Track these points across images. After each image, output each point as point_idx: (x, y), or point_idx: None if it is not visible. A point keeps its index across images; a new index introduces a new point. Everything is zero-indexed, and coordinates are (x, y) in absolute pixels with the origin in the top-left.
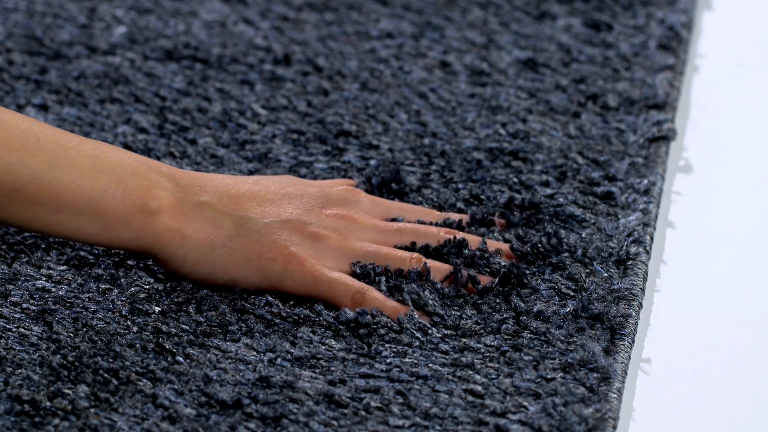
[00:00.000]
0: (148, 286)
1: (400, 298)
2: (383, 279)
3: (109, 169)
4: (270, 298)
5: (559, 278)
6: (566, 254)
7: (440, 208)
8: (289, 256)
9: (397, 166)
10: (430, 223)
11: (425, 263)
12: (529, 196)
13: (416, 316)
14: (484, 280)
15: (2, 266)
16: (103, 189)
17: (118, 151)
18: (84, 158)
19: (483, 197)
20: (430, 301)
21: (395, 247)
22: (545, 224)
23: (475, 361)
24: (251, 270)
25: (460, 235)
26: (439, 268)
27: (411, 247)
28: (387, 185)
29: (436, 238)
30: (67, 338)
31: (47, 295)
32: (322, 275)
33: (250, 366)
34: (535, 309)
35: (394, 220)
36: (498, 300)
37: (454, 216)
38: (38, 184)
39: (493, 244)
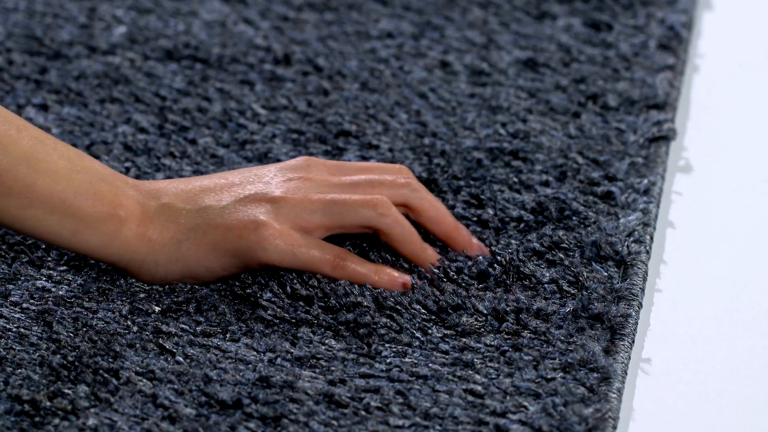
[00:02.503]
0: (148, 286)
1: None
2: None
3: (82, 171)
4: (270, 295)
5: (560, 277)
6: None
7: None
8: (255, 227)
9: None
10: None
11: (392, 209)
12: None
13: (419, 308)
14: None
15: (2, 266)
16: (76, 190)
17: (89, 157)
18: (60, 157)
19: (483, 197)
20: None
21: None
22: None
23: (475, 360)
24: (221, 253)
25: (415, 181)
26: (401, 221)
27: None
28: None
29: (392, 185)
30: (67, 338)
31: (47, 295)
32: (297, 241)
33: (250, 366)
34: (535, 307)
35: None
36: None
37: (405, 172)
38: (14, 175)
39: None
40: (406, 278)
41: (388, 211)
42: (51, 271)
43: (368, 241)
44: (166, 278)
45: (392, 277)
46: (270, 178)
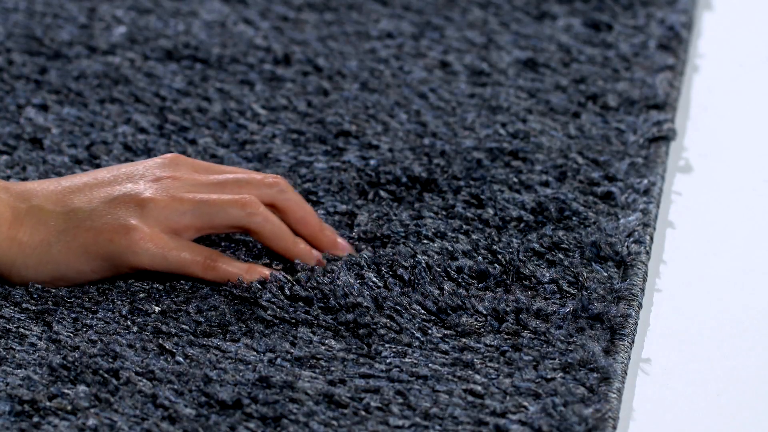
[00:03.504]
0: (147, 286)
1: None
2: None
3: None
4: (270, 295)
5: (560, 277)
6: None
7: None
8: (125, 230)
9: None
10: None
11: (261, 208)
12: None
13: (419, 308)
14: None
15: None
16: None
17: None
18: None
19: (483, 197)
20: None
21: None
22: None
23: (475, 360)
24: (92, 257)
25: (283, 182)
26: (270, 218)
27: None
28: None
29: (259, 184)
30: (67, 338)
31: (47, 295)
32: (167, 244)
33: (250, 366)
34: (534, 307)
35: None
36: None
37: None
38: None
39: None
40: (276, 274)
41: (257, 210)
42: None
43: None
44: (36, 279)
45: (263, 274)
46: (138, 178)
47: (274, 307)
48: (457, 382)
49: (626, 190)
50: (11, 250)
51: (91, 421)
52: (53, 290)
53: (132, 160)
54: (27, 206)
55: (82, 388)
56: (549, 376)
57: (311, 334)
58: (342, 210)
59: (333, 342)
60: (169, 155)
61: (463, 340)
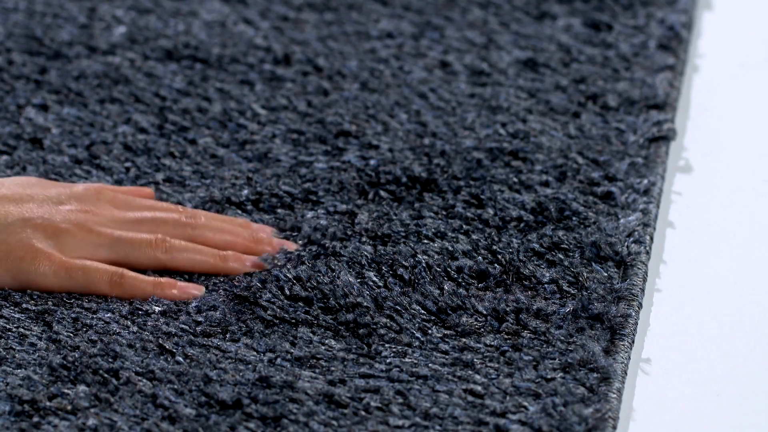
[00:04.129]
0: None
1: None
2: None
3: None
4: (270, 296)
5: (560, 277)
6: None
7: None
8: (35, 252)
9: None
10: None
11: (170, 242)
12: (532, 197)
13: (419, 308)
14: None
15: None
16: None
17: None
18: None
19: (483, 197)
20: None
21: None
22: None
23: (475, 360)
24: (2, 270)
25: (198, 217)
26: (186, 248)
27: None
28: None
29: (176, 224)
30: (67, 338)
31: (47, 296)
32: (73, 265)
33: (250, 366)
34: (534, 307)
35: None
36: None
37: (195, 212)
38: None
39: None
40: (192, 289)
41: (168, 246)
42: None
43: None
44: None
45: (174, 286)
46: (59, 205)
47: (274, 307)
48: (457, 382)
49: (626, 190)
50: None
51: (91, 421)
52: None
53: (132, 161)
54: None
55: (82, 388)
56: (549, 376)
57: (311, 334)
58: (342, 210)
59: (333, 342)
60: (93, 186)
61: (463, 340)
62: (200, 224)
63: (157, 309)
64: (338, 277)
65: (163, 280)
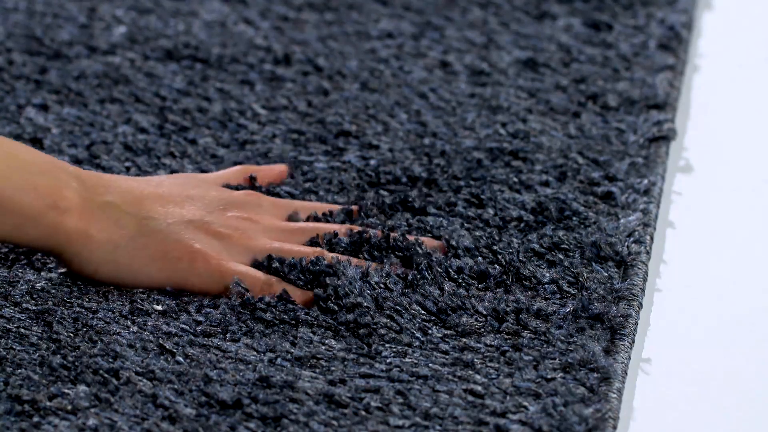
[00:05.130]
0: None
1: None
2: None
3: (21, 167)
4: (268, 299)
5: (560, 277)
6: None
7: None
8: (193, 253)
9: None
10: (333, 221)
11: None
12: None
13: (419, 309)
14: (394, 268)
15: (2, 268)
16: (14, 186)
17: (28, 149)
18: None
19: (483, 197)
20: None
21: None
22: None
23: (475, 360)
24: (156, 269)
25: (358, 228)
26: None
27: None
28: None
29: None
30: (67, 338)
31: (47, 296)
32: (228, 269)
33: (250, 366)
34: (535, 307)
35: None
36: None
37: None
38: None
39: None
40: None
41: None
42: (51, 274)
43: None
44: (94, 275)
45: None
46: (215, 206)
47: (274, 308)
48: (457, 382)
49: (626, 190)
50: (78, 242)
51: (91, 421)
52: (53, 290)
53: (132, 160)
54: (101, 201)
55: (82, 388)
56: (549, 376)
57: (311, 334)
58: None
59: (333, 342)
60: (253, 192)
61: (464, 340)
62: (363, 239)
63: (158, 308)
64: (339, 278)
65: (312, 294)
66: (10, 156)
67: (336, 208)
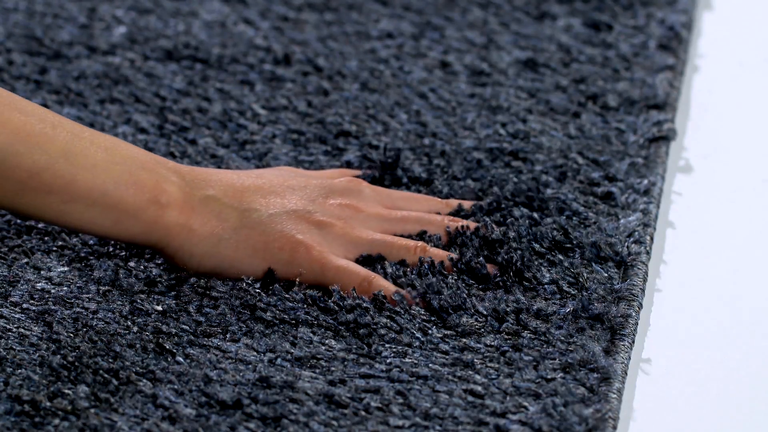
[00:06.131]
0: (147, 287)
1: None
2: (388, 265)
3: (121, 161)
4: (268, 297)
5: (560, 278)
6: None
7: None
8: (295, 244)
9: (398, 152)
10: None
11: (429, 252)
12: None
13: (419, 309)
14: (490, 268)
15: (2, 268)
16: (116, 181)
17: (127, 145)
18: (97, 150)
19: (483, 197)
20: (441, 295)
21: (401, 236)
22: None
23: (475, 361)
24: (258, 260)
25: (463, 222)
26: (442, 257)
27: (419, 236)
28: (388, 171)
29: (440, 226)
30: (67, 338)
31: (47, 296)
32: (329, 263)
33: (250, 366)
34: (535, 307)
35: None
36: (499, 293)
37: (454, 202)
38: (54, 171)
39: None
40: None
41: (427, 254)
42: (51, 273)
43: None
44: (198, 268)
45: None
46: (317, 195)
47: (274, 309)
48: (457, 382)
49: (626, 191)
50: (180, 236)
51: (91, 421)
52: (53, 290)
53: None
54: (201, 195)
55: (82, 388)
56: (549, 376)
57: (311, 334)
58: None
59: (333, 342)
60: (353, 179)
61: (464, 340)
62: (460, 228)
63: (157, 308)
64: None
65: (405, 293)
66: (109, 151)
67: (438, 201)
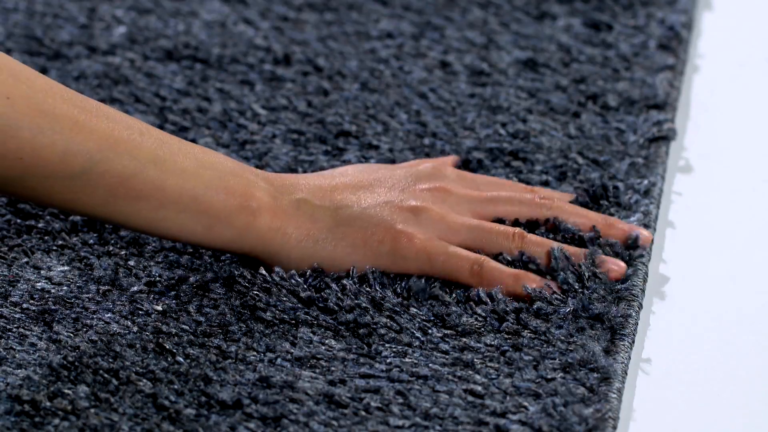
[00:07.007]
0: (147, 288)
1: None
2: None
3: (209, 167)
4: (267, 297)
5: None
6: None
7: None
8: (396, 234)
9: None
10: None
11: (527, 239)
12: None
13: (418, 309)
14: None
15: (2, 267)
16: (205, 186)
17: (214, 152)
18: (186, 156)
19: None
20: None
21: (493, 221)
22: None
23: (475, 360)
24: (360, 256)
25: (556, 198)
26: (542, 243)
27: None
28: None
29: (531, 204)
30: (67, 338)
31: (47, 296)
32: (435, 249)
33: (250, 366)
34: (535, 307)
35: None
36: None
37: (541, 190)
38: (143, 178)
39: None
40: (551, 284)
41: (525, 241)
42: (51, 273)
43: None
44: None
45: (533, 282)
46: (405, 183)
47: (274, 309)
48: (457, 382)
49: (626, 191)
50: (275, 241)
51: (91, 421)
52: (53, 290)
53: None
54: (291, 199)
55: (82, 388)
56: (549, 376)
57: (311, 334)
58: None
59: (333, 342)
60: (437, 165)
61: (464, 339)
62: (555, 206)
63: (158, 308)
64: (339, 278)
65: (522, 273)
66: (197, 157)
67: (522, 186)
